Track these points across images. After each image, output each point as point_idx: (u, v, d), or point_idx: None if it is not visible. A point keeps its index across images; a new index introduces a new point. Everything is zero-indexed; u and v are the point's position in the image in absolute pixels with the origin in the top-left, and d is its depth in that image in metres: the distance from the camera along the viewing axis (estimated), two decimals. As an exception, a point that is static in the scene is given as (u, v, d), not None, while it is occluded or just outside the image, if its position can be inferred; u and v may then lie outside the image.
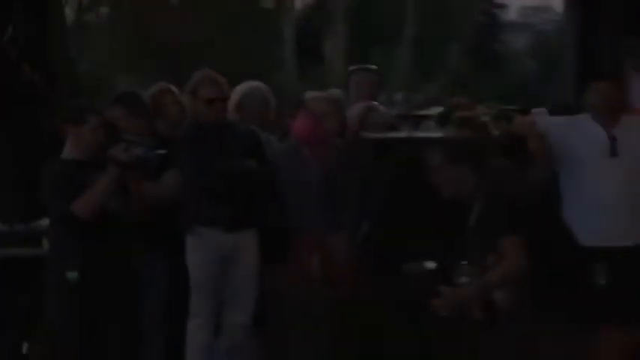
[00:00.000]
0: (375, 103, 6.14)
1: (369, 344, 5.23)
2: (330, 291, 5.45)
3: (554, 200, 5.23)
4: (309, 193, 5.54)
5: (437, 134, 5.44)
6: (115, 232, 5.11)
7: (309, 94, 5.81)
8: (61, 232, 5.15)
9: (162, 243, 5.50)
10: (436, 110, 6.63)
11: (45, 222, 5.71)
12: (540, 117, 5.52)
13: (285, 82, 18.76)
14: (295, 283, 5.50)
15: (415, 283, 5.09)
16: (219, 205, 5.39)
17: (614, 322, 5.15)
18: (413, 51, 24.50)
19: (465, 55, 25.15)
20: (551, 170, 5.17)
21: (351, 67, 7.01)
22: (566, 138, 5.10)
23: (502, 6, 27.85)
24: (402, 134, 5.75)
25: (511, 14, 27.62)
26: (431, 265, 5.09)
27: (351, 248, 5.53)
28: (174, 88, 5.83)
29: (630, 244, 5.07)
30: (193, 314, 5.44)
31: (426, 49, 24.83)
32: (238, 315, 5.50)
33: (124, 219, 5.19)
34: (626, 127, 5.10)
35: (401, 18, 24.21)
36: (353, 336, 5.32)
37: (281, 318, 5.49)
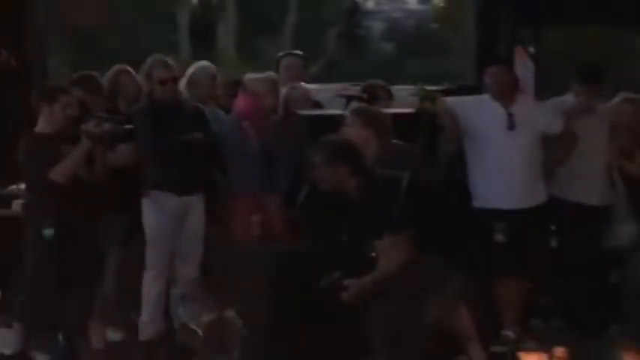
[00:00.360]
0: (302, 83, 7.00)
1: (303, 290, 6.08)
2: (267, 244, 6.30)
3: (460, 170, 6.21)
4: (248, 162, 6.37)
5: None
6: (83, 195, 5.84)
7: (248, 76, 6.65)
8: (37, 194, 5.87)
9: (122, 205, 6.23)
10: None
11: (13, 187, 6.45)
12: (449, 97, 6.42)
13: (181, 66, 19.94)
14: (237, 239, 6.34)
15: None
16: (171, 172, 6.15)
17: (511, 275, 6.16)
18: (294, 37, 26.44)
19: (337, 39, 27.40)
20: (458, 143, 6.14)
21: (280, 53, 7.81)
22: (471, 115, 6.05)
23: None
24: (334, 111, 6.60)
25: (369, 3, 30.69)
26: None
27: (285, 208, 6.39)
28: (130, 69, 6.57)
29: (526, 207, 6.05)
30: (149, 267, 6.22)
31: (305, 35, 26.96)
32: (188, 267, 6.31)
33: (90, 184, 5.93)
34: (522, 105, 6.09)
35: (284, 7, 26.05)
36: (288, 284, 6.15)
37: (225, 269, 6.31)
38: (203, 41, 24.03)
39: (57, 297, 5.85)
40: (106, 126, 5.76)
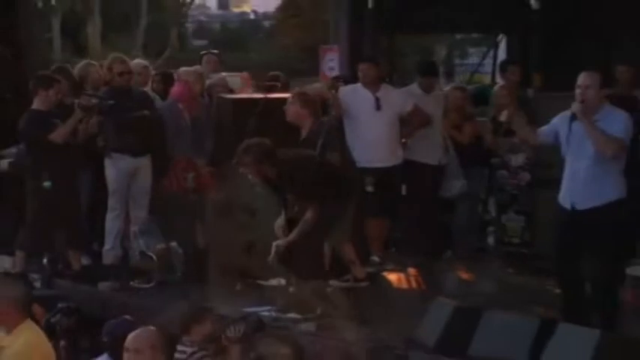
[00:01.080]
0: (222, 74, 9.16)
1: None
2: (198, 195, 8.34)
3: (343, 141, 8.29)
4: (183, 133, 8.34)
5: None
6: (68, 155, 7.82)
7: (181, 69, 8.69)
8: (37, 154, 7.82)
9: (91, 162, 8.27)
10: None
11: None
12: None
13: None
14: (175, 190, 8.36)
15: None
16: (127, 139, 8.14)
17: (377, 216, 8.29)
18: (146, 35, 29.62)
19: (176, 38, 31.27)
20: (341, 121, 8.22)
21: (203, 52, 9.95)
22: (349, 99, 8.19)
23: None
24: (248, 95, 8.74)
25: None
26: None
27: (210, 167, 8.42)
28: (95, 63, 8.56)
29: (388, 166, 8.16)
30: (110, 209, 8.24)
31: (153, 34, 30.28)
32: (140, 210, 8.33)
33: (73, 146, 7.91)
34: (385, 91, 8.31)
35: (138, 11, 29.49)
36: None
37: (166, 211, 8.35)
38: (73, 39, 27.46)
39: (49, 231, 7.82)
40: (94, 101, 7.74)
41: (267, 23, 33.10)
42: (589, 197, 6.37)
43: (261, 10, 34.79)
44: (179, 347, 5.56)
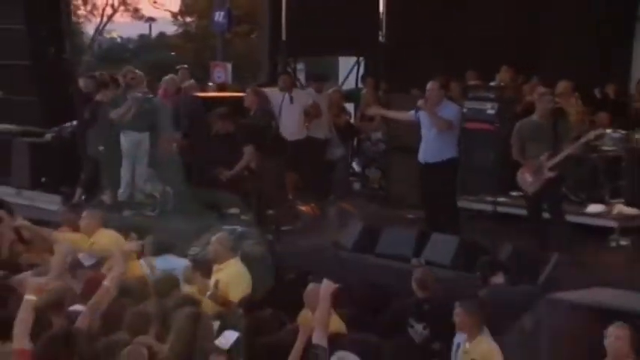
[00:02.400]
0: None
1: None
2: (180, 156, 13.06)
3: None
4: (169, 118, 12.92)
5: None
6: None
7: (165, 78, 13.44)
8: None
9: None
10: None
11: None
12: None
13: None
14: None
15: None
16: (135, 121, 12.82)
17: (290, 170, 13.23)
18: None
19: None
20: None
21: (177, 67, 14.78)
22: (274, 97, 12.89)
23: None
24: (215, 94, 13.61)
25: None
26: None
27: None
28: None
29: (299, 138, 12.79)
30: (123, 164, 12.86)
31: None
32: (140, 167, 12.98)
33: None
34: (296, 92, 13.10)
35: None
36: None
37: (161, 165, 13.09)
38: None
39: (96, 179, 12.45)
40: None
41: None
42: (435, 155, 10.16)
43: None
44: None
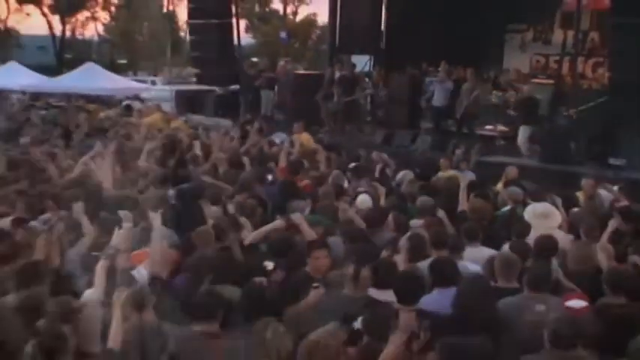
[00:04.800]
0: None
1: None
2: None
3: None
4: None
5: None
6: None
7: (280, 63, 27.01)
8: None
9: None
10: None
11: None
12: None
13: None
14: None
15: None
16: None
17: None
18: None
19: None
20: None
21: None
22: None
23: None
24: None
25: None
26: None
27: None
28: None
29: None
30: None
31: None
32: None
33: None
34: None
35: None
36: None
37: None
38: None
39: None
40: None
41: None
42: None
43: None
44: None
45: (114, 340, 6.32)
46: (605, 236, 9.24)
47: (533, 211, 10.25)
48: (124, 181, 12.15)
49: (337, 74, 24.11)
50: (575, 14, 19.91)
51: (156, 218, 8.50)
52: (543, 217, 10.04)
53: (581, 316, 6.78)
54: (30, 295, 6.59)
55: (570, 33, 21.90)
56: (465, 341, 6.01)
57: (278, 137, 19.03)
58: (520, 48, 27.12)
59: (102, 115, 25.42)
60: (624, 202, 11.48)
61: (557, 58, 23.39)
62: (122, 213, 8.49)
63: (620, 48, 16.01)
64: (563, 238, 9.32)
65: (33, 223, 9.26)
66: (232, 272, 7.84)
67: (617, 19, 15.80)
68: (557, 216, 10.22)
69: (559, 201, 10.95)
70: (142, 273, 7.62)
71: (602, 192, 12.37)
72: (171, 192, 10.37)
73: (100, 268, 7.36)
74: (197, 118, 25.84)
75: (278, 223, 9.31)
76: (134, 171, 13.12)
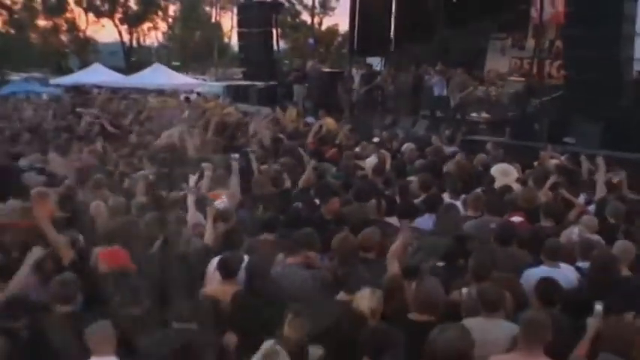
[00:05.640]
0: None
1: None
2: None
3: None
4: None
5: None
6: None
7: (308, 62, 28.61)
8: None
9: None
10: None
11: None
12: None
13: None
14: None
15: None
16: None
17: None
18: None
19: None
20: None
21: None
22: None
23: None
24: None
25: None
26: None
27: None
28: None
29: None
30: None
31: None
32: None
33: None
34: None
35: None
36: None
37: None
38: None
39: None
40: None
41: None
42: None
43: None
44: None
45: (208, 239, 8.10)
46: (547, 185, 10.89)
47: (497, 170, 11.99)
48: (200, 147, 14.07)
49: (355, 72, 25.72)
50: (539, 28, 21.34)
51: (235, 168, 10.36)
52: (504, 174, 11.77)
53: (519, 226, 8.51)
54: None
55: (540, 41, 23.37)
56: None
57: (308, 120, 20.93)
58: (501, 52, 28.49)
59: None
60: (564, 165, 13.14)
61: (530, 60, 24.72)
62: (205, 165, 10.31)
63: (571, 53, 17.51)
64: (518, 188, 11.01)
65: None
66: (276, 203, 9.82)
67: (568, 30, 17.30)
68: (514, 173, 11.97)
69: (518, 166, 12.63)
70: (222, 204, 9.38)
71: (553, 160, 13.97)
72: (236, 155, 12.09)
73: (190, 199, 9.13)
74: (243, 106, 27.86)
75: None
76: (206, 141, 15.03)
